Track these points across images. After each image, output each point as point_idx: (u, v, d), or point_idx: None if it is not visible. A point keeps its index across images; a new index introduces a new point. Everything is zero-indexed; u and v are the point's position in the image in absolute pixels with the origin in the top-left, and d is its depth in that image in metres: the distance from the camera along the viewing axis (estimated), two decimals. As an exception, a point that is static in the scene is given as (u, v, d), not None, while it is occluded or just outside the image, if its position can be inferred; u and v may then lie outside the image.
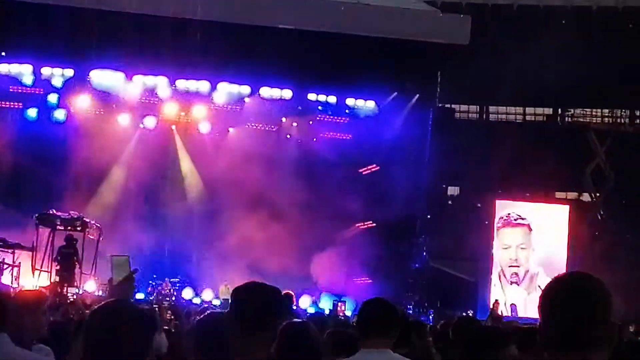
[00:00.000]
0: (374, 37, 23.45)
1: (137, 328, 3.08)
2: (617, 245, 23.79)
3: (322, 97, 25.21)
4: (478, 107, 27.12)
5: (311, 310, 22.50)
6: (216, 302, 23.63)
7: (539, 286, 23.50)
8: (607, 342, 2.44)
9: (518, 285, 24.36)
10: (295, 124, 25.80)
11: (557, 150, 24.29)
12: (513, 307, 23.37)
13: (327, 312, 22.12)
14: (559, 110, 27.00)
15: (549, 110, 27.04)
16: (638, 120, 27.06)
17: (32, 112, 24.79)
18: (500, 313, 20.55)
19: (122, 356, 2.99)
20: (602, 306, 2.46)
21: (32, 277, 21.34)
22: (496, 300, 21.80)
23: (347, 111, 25.50)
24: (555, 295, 2.48)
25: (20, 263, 20.80)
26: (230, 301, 3.69)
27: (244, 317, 3.52)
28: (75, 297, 20.09)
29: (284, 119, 25.67)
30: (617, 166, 25.45)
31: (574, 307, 2.43)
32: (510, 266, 24.52)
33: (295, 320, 5.47)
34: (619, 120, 26.96)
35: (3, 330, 4.19)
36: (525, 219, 24.39)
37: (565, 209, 25.07)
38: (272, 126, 25.81)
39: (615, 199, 25.48)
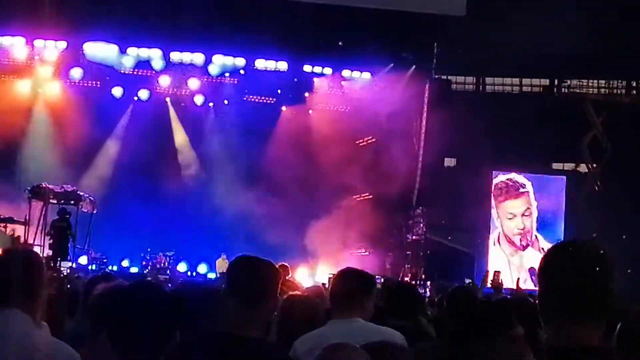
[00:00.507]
0: (369, 9, 22.97)
1: (163, 307, 3.06)
2: (614, 217, 23.49)
3: (317, 69, 24.76)
4: (474, 78, 26.76)
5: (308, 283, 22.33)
6: (211, 276, 23.29)
7: (543, 248, 23.36)
8: (607, 312, 2.38)
9: (532, 247, 24.16)
10: (290, 96, 25.34)
11: (554, 121, 23.91)
12: (532, 271, 23.05)
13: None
14: (556, 81, 26.65)
15: (545, 82, 26.65)
16: (634, 92, 26.73)
17: (25, 85, 24.33)
18: (500, 282, 20.16)
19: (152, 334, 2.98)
20: (605, 274, 2.39)
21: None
22: (497, 271, 21.42)
23: (342, 83, 25.06)
24: (556, 262, 2.39)
25: (19, 236, 20.37)
26: (225, 276, 3.70)
27: (241, 292, 3.50)
28: (69, 270, 19.79)
29: (279, 91, 25.20)
30: (614, 137, 25.15)
31: (576, 275, 2.35)
32: (518, 234, 24.33)
33: (296, 292, 5.67)
34: (615, 91, 26.63)
35: (16, 304, 3.55)
36: (525, 186, 24.18)
37: (562, 180, 24.86)
38: (268, 98, 25.36)
39: (612, 170, 25.18)
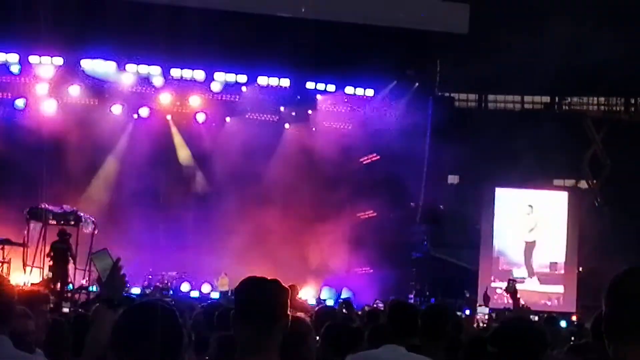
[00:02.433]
0: (373, 26, 22.23)
1: (170, 327, 2.93)
2: (614, 232, 22.92)
3: (320, 86, 23.64)
4: (477, 95, 26.03)
5: (312, 301, 21.37)
6: (215, 295, 22.06)
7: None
8: None
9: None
10: (293, 114, 24.18)
11: (554, 138, 23.27)
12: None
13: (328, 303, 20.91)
14: (556, 98, 26.05)
15: (546, 99, 26.06)
16: (633, 108, 26.23)
17: (20, 103, 22.80)
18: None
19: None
20: None
21: (23, 273, 19.74)
22: (512, 280, 20.75)
23: (346, 100, 24.03)
24: (627, 285, 2.33)
25: (10, 259, 19.35)
26: (234, 300, 3.42)
27: (255, 317, 3.28)
28: (70, 294, 18.61)
29: (282, 108, 24.03)
30: (613, 153, 24.60)
31: None
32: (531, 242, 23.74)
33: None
34: (614, 108, 26.11)
35: (4, 332, 3.65)
36: (532, 207, 23.53)
37: (563, 196, 24.23)
38: (270, 116, 24.17)
39: (611, 185, 24.62)
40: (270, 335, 3.28)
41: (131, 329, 2.93)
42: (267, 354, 3.27)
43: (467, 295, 22.93)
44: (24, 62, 22.31)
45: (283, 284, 3.41)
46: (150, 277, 22.20)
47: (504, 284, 23.36)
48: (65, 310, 13.76)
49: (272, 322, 3.29)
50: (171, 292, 21.69)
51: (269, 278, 3.38)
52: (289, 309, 3.39)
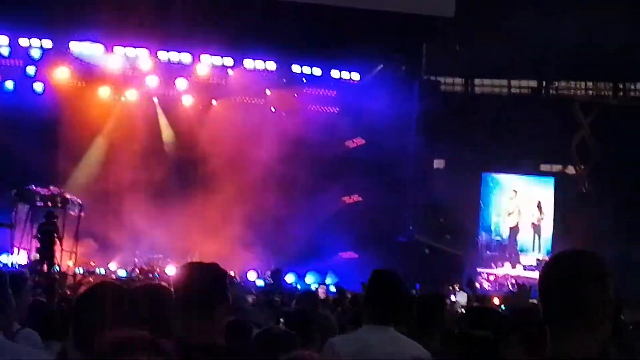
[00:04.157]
0: (359, 9, 21.41)
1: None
2: (601, 218, 22.11)
3: (306, 69, 22.90)
4: (463, 79, 25.18)
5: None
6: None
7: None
8: (609, 321, 2.28)
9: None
10: (279, 97, 23.48)
11: (542, 122, 22.38)
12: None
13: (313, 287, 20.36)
14: (544, 82, 25.17)
15: (533, 83, 25.16)
16: (622, 93, 25.28)
17: (9, 84, 22.27)
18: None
19: None
20: (605, 284, 2.29)
21: (9, 255, 19.44)
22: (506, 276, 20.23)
23: (332, 84, 23.28)
24: (559, 273, 2.28)
25: None
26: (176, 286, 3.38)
27: (194, 302, 3.24)
28: (57, 275, 18.20)
29: (268, 92, 23.34)
30: (601, 139, 23.70)
31: (581, 285, 2.25)
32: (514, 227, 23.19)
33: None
34: (602, 92, 25.17)
35: None
36: (516, 192, 22.83)
37: (550, 181, 23.44)
38: (257, 99, 23.49)
39: (599, 171, 23.75)
40: (211, 320, 3.20)
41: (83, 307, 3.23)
42: (211, 338, 3.18)
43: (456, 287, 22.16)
44: (13, 45, 21.77)
45: (221, 268, 3.34)
46: (136, 260, 21.70)
47: (489, 270, 22.79)
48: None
49: (210, 306, 3.21)
50: (157, 274, 21.19)
51: (204, 263, 3.36)
52: (228, 292, 3.32)
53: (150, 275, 20.82)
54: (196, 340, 3.16)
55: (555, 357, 2.28)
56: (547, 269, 2.32)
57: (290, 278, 21.67)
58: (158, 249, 21.80)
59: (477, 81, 25.33)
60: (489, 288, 22.37)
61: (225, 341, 3.33)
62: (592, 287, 2.26)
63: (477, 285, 22.09)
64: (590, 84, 25.08)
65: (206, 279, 3.27)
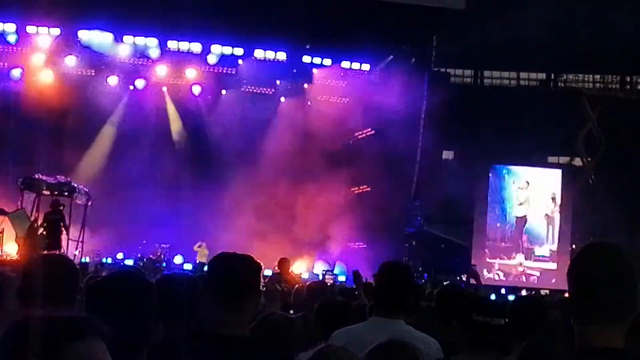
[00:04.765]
0: (370, 0, 21.20)
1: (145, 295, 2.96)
2: (607, 210, 22.01)
3: (317, 60, 22.62)
4: (472, 71, 25.02)
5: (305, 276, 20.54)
6: (188, 267, 21.07)
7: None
8: (632, 314, 2.24)
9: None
10: (289, 87, 23.18)
11: (550, 115, 22.26)
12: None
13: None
14: (552, 75, 25.04)
15: (542, 75, 25.05)
16: (629, 86, 25.23)
17: (16, 72, 21.85)
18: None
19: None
20: (632, 277, 2.23)
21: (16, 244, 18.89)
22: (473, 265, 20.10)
23: (342, 74, 23.02)
24: (589, 265, 2.22)
25: (4, 229, 18.32)
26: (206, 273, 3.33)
27: (225, 293, 3.13)
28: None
29: (278, 82, 23.03)
30: (608, 131, 23.59)
31: (611, 278, 2.19)
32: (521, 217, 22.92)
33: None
34: (610, 85, 25.10)
35: None
36: (529, 182, 22.59)
37: (558, 173, 23.27)
38: (266, 89, 23.18)
39: (606, 163, 23.64)
40: (240, 312, 3.14)
41: (102, 296, 2.97)
42: (234, 327, 3.11)
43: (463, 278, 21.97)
44: (21, 32, 21.33)
45: (255, 261, 3.24)
46: (140, 248, 21.35)
47: (498, 261, 22.58)
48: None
49: (242, 300, 3.14)
50: (164, 264, 20.86)
51: (240, 254, 3.22)
52: (261, 284, 3.39)
53: (157, 265, 20.52)
54: (218, 330, 3.08)
55: (580, 347, 2.24)
56: (577, 260, 2.24)
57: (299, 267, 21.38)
58: (165, 238, 21.45)
59: (486, 73, 25.20)
60: (502, 278, 22.18)
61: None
62: (629, 284, 2.23)
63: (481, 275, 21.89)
64: (598, 77, 24.99)
65: (243, 271, 3.18)
